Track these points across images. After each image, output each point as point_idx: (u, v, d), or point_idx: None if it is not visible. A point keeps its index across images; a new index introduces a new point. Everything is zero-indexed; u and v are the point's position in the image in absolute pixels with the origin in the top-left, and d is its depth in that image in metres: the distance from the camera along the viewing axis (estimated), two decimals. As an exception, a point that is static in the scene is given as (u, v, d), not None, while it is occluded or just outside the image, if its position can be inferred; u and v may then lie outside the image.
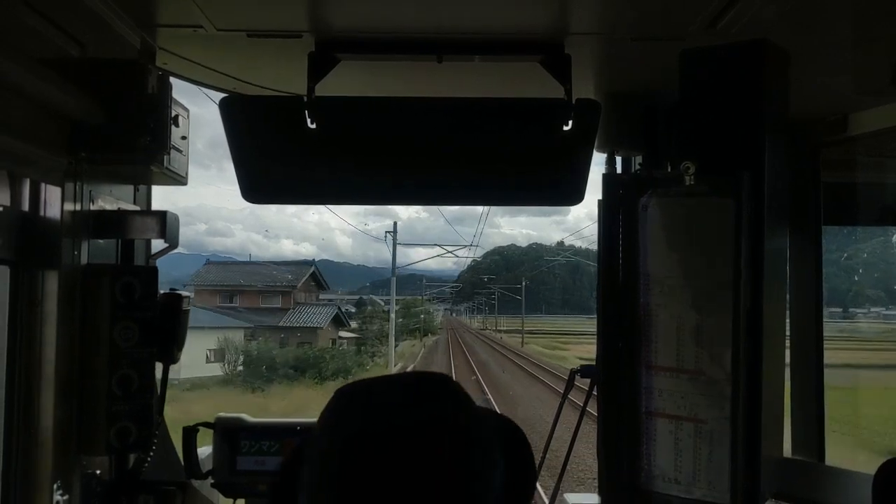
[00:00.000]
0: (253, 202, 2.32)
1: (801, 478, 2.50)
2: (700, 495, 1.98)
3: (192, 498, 2.36)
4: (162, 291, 2.14)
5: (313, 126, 2.14)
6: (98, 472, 2.05)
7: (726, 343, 1.95)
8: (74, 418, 1.93)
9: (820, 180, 2.60)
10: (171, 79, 2.15)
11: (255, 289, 51.46)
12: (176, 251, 2.21)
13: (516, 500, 1.08)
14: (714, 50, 1.97)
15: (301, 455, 1.03)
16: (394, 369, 33.31)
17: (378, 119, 2.23)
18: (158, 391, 2.21)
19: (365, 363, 39.31)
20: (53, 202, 1.87)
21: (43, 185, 1.86)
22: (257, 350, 37.15)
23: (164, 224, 2.09)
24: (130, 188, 2.29)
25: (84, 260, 1.96)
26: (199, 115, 2.44)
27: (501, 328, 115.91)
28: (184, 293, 2.20)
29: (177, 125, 2.13)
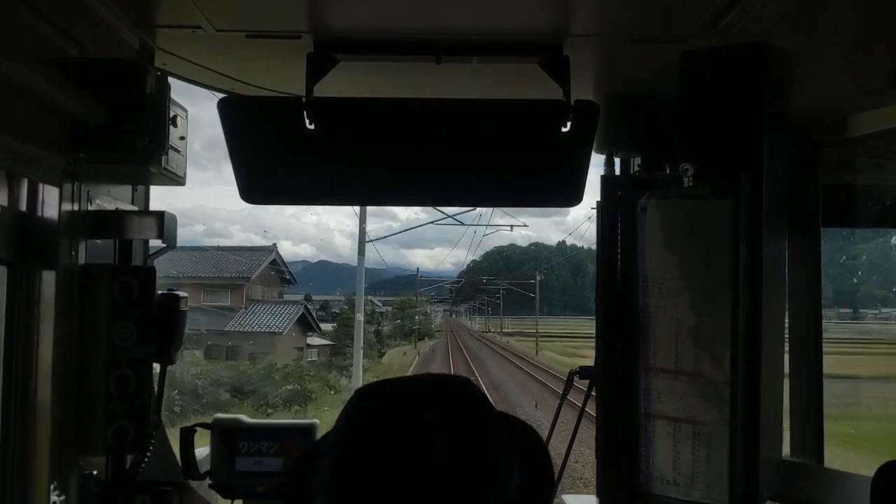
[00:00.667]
0: (251, 203, 2.31)
1: (799, 480, 2.50)
2: (698, 497, 1.98)
3: (190, 499, 2.36)
4: (160, 292, 2.13)
5: (312, 127, 2.14)
6: (95, 472, 2.05)
7: (725, 345, 1.95)
8: (72, 418, 1.93)
9: (819, 181, 2.60)
10: (170, 79, 2.15)
11: (196, 281, 36.07)
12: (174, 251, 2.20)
13: None
14: (714, 51, 1.96)
15: (318, 451, 1.03)
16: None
17: (376, 120, 2.23)
18: (156, 391, 2.20)
19: (333, 383, 29.30)
20: (51, 202, 1.87)
21: (41, 184, 1.86)
22: (178, 365, 27.45)
23: (162, 224, 2.09)
24: (128, 188, 2.29)
25: (82, 260, 1.96)
26: (197, 115, 2.44)
27: (506, 330, 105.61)
28: (181, 293, 2.20)
29: (175, 125, 2.13)
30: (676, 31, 1.95)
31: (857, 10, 1.84)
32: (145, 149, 1.98)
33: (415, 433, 0.96)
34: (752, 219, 1.94)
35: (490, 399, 1.07)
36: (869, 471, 1.74)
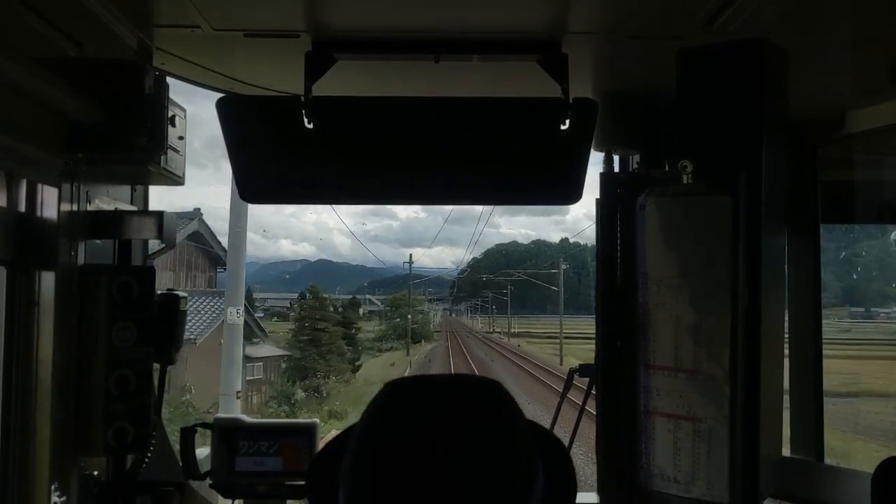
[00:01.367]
0: (250, 202, 2.32)
1: (799, 477, 2.50)
2: (699, 494, 1.98)
3: (190, 499, 2.36)
4: (159, 292, 2.13)
5: (310, 126, 2.14)
6: (95, 472, 2.04)
7: (724, 342, 1.95)
8: (72, 419, 1.92)
9: (818, 179, 2.60)
10: (168, 78, 2.15)
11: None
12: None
13: None
14: (712, 48, 1.96)
15: (344, 441, 1.04)
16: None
17: (375, 119, 2.23)
18: (156, 391, 2.20)
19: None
20: (50, 202, 1.86)
21: (40, 185, 1.86)
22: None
23: (161, 224, 2.09)
24: (127, 188, 2.28)
25: (81, 260, 1.96)
26: (195, 114, 2.44)
27: (514, 331, 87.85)
28: (181, 293, 2.20)
29: (174, 125, 2.13)
30: (674, 28, 1.95)
31: (854, 9, 1.84)
32: (144, 149, 1.98)
33: (442, 433, 0.96)
34: (751, 216, 1.94)
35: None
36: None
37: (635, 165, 2.59)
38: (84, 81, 1.86)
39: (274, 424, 2.57)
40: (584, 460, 12.88)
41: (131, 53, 2.05)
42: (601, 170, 2.37)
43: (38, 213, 1.86)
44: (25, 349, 1.83)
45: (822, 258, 2.57)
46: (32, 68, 1.67)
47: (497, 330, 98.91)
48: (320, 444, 2.34)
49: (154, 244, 2.28)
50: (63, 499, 1.86)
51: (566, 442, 2.52)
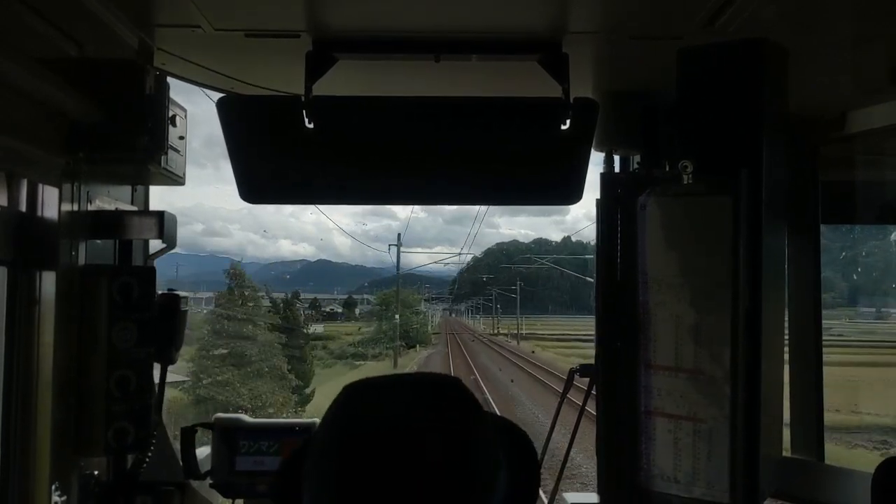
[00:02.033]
0: (251, 202, 2.31)
1: (800, 476, 2.50)
2: (699, 494, 1.98)
3: (191, 498, 2.36)
4: (160, 292, 2.13)
5: (311, 126, 2.14)
6: (96, 472, 2.05)
7: (725, 342, 1.95)
8: (72, 419, 1.92)
9: (818, 178, 2.60)
10: (168, 78, 2.15)
11: None
12: (173, 251, 2.20)
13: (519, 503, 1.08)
14: (712, 48, 1.97)
15: (307, 448, 1.03)
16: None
17: (376, 118, 2.23)
18: (156, 392, 2.20)
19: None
20: (51, 202, 1.86)
21: (40, 185, 1.86)
22: None
23: (162, 224, 2.09)
24: (128, 188, 2.29)
25: (82, 260, 1.96)
26: (195, 113, 2.44)
27: (523, 332, 74.62)
28: (181, 293, 2.20)
29: (174, 125, 2.13)
30: (674, 28, 1.95)
31: (854, 8, 1.84)
32: (145, 148, 1.98)
33: (404, 432, 0.96)
34: (752, 215, 1.94)
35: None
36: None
37: (635, 165, 2.60)
38: (85, 81, 1.86)
39: (274, 424, 2.57)
40: (584, 459, 12.83)
41: (132, 53, 2.05)
42: (601, 170, 2.37)
43: (39, 213, 1.86)
44: (26, 349, 1.83)
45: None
46: (33, 68, 1.67)
47: (502, 332, 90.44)
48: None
49: (155, 244, 2.28)
50: (63, 498, 1.86)
51: (566, 442, 2.54)
